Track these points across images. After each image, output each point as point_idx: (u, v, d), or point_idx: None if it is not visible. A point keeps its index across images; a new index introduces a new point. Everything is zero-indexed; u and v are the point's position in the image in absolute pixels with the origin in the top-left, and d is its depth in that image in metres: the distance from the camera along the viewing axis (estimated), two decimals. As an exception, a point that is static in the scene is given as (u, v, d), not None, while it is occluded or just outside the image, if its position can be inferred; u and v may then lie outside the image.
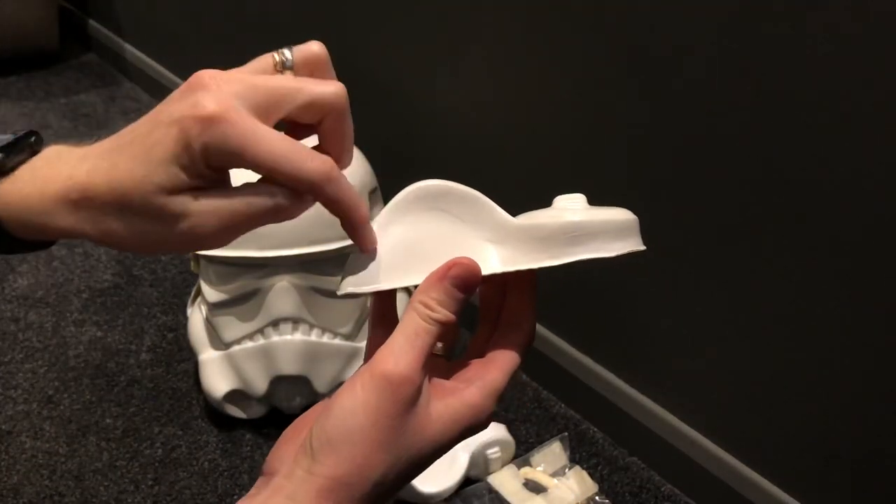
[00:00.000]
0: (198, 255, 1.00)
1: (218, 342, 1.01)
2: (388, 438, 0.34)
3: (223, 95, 0.34)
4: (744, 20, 0.74)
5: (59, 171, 0.37)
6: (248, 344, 0.98)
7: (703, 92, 0.80)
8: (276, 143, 0.35)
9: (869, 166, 0.70)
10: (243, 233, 0.37)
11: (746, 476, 0.92)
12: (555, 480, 0.97)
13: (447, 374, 0.39)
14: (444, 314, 0.36)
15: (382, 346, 0.35)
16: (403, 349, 0.35)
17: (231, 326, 0.98)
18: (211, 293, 0.98)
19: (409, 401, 0.34)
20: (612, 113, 0.90)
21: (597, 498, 0.97)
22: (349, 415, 0.34)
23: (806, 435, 0.85)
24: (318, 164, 0.36)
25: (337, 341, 0.99)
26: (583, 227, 0.37)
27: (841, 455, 0.83)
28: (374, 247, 0.39)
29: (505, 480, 0.97)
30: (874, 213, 0.71)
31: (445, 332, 0.36)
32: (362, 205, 0.38)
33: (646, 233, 0.39)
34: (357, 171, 1.00)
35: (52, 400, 1.08)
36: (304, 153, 0.36)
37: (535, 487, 0.97)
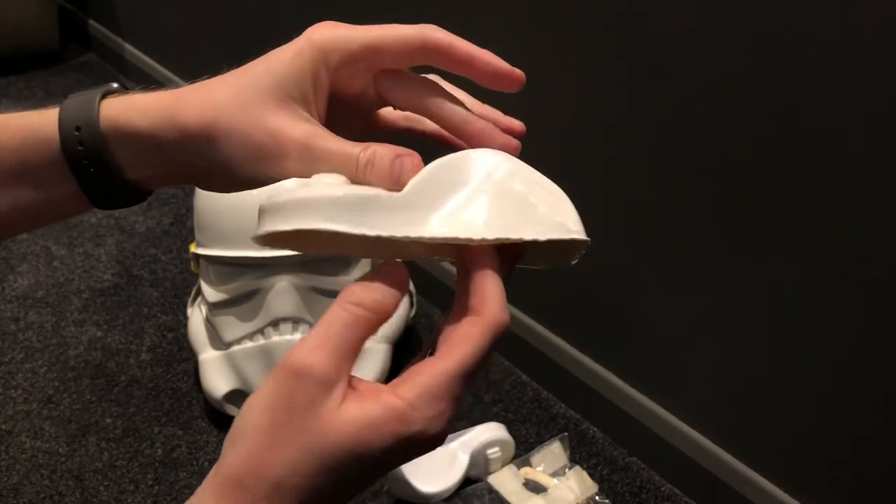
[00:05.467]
0: (198, 255, 1.00)
1: (218, 342, 1.01)
2: (282, 436, 0.30)
3: None
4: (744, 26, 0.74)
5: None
6: (248, 344, 0.98)
7: (703, 92, 0.80)
8: None
9: (871, 167, 0.70)
10: None
11: (746, 476, 0.92)
12: (555, 480, 0.97)
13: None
14: (361, 296, 0.32)
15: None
16: (311, 339, 0.31)
17: (231, 326, 0.98)
18: (211, 293, 0.98)
19: (308, 395, 0.30)
20: (612, 111, 0.90)
21: (597, 498, 0.97)
22: (250, 408, 0.31)
23: (806, 435, 0.85)
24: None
25: (337, 341, 0.99)
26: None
27: (841, 455, 0.83)
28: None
29: (505, 480, 0.97)
30: (878, 213, 0.71)
31: (376, 322, 0.32)
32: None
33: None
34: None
35: (52, 400, 1.08)
36: None
37: (535, 487, 0.97)
